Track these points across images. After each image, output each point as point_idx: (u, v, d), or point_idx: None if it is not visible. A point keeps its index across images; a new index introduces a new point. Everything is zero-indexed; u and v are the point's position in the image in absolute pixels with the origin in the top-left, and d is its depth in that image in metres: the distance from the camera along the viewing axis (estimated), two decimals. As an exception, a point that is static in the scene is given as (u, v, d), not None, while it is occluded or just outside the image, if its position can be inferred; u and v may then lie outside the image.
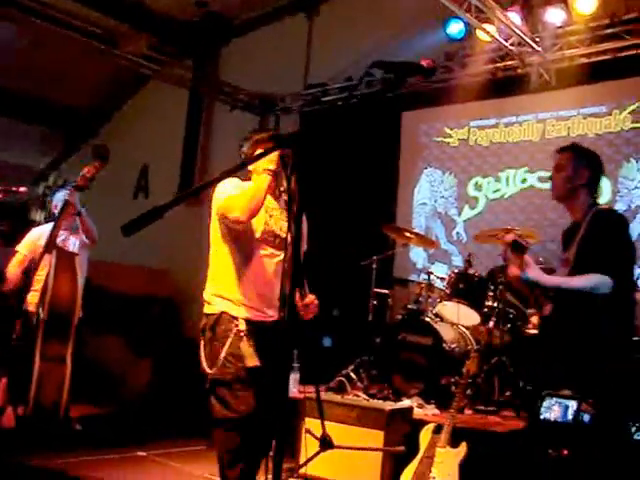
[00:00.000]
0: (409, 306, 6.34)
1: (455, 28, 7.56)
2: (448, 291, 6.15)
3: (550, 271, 6.56)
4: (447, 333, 5.95)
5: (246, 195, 3.34)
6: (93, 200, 7.34)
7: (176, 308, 9.67)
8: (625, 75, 7.17)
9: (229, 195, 3.40)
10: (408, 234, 6.61)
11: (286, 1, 9.81)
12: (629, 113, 7.16)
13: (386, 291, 6.80)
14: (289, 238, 3.07)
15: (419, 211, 8.59)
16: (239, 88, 9.93)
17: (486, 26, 7.15)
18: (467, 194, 8.23)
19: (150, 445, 5.71)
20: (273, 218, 3.49)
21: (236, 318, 3.37)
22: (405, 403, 5.38)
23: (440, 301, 6.24)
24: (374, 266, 6.64)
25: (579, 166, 3.57)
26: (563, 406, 5.45)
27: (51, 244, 5.31)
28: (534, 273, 3.44)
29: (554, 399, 5.26)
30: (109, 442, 5.67)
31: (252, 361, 3.30)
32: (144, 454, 5.51)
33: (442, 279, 6.34)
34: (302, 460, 4.84)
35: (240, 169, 3.29)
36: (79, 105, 11.51)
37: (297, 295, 3.07)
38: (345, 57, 8.53)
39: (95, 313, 6.41)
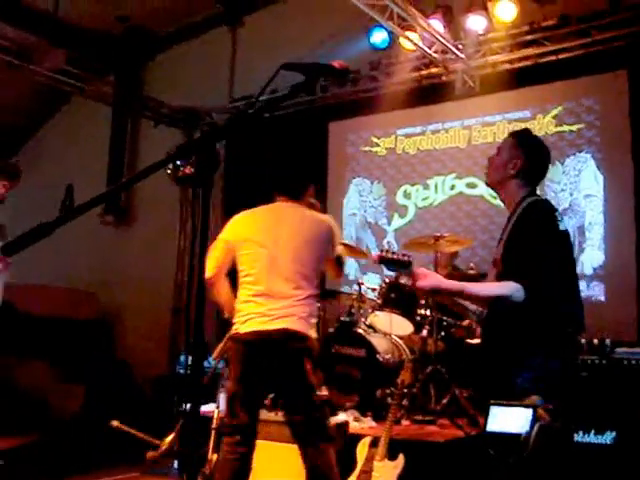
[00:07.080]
0: (341, 318, 6.24)
1: (379, 37, 7.54)
2: (380, 301, 6.06)
3: (480, 277, 6.63)
4: (380, 344, 5.87)
5: None
6: (17, 221, 7.05)
7: (106, 331, 9.41)
8: (547, 80, 7.30)
9: None
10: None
11: (209, 14, 9.68)
12: (552, 117, 7.26)
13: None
14: None
15: (349, 222, 8.54)
16: (163, 103, 9.75)
17: (409, 34, 7.17)
18: (396, 203, 8.21)
19: (81, 475, 5.49)
20: None
21: None
22: (341, 417, 5.27)
23: (372, 312, 6.16)
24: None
25: (515, 154, 3.19)
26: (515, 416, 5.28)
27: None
28: (429, 282, 3.00)
29: (501, 408, 5.10)
30: (34, 474, 5.41)
31: None
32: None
33: (373, 290, 6.25)
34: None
35: (163, 166, 3.42)
36: (-4, 124, 11.11)
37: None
38: (270, 70, 8.35)
39: (19, 338, 6.15)
